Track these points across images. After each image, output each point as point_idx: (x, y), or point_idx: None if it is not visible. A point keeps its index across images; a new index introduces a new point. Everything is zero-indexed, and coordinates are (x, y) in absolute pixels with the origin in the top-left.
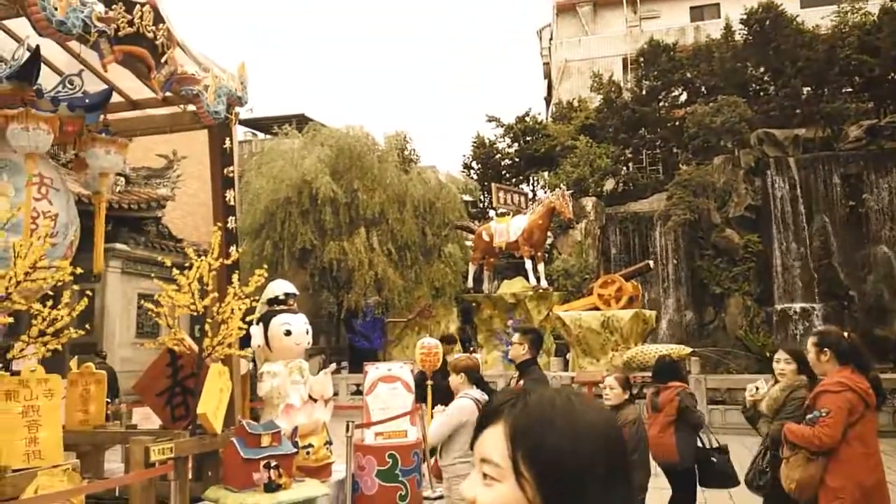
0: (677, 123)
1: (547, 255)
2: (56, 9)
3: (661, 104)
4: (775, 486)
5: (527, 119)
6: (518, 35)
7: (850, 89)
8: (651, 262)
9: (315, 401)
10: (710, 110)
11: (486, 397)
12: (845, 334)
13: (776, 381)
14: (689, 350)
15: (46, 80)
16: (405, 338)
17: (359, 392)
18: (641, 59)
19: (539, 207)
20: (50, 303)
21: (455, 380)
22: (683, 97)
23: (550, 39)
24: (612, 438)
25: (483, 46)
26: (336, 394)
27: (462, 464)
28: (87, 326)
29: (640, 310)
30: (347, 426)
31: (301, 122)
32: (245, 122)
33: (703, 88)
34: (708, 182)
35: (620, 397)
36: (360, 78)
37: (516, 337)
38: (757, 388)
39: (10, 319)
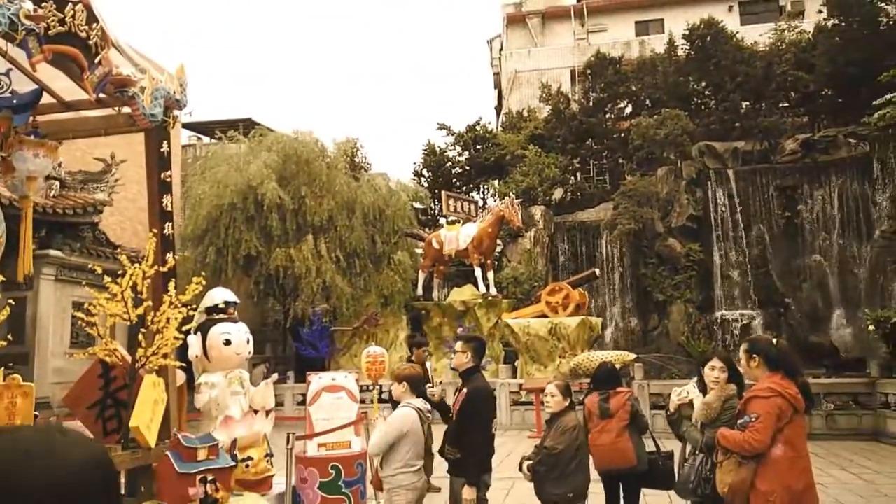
0: (623, 135)
1: (496, 263)
2: None
3: (607, 116)
4: (712, 490)
5: (477, 128)
6: (470, 44)
7: (786, 104)
8: (597, 270)
9: (256, 412)
10: (654, 122)
11: (428, 406)
12: (774, 341)
13: (704, 387)
14: (633, 356)
15: None
16: (353, 346)
17: (304, 402)
18: (589, 72)
19: (489, 216)
20: None
21: (397, 389)
22: (629, 109)
23: (501, 50)
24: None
25: (435, 54)
26: (281, 404)
27: (403, 474)
28: (9, 337)
29: (587, 317)
30: (288, 438)
31: (248, 126)
32: (189, 126)
33: (647, 101)
34: (652, 192)
35: (561, 405)
36: (310, 83)
37: (459, 345)
38: (688, 393)
39: None
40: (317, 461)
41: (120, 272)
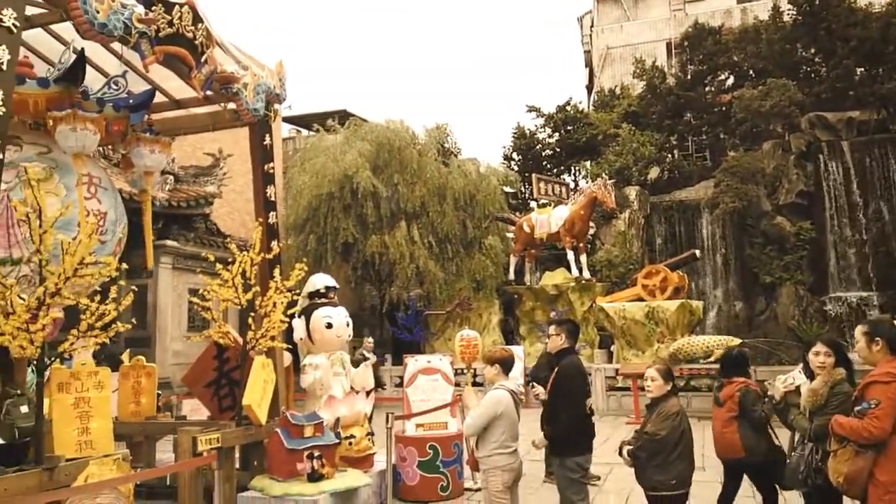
0: (724, 108)
1: (589, 246)
2: (98, 12)
3: (706, 89)
4: (824, 481)
5: (568, 108)
6: (558, 23)
7: None
8: (697, 252)
9: (357, 392)
10: (758, 94)
11: (520, 388)
12: None
13: (810, 373)
14: (738, 341)
15: (92, 82)
16: (447, 330)
17: (401, 384)
18: (686, 44)
19: (581, 197)
20: (98, 298)
21: (490, 371)
22: (730, 81)
23: (591, 26)
24: None
25: (523, 36)
26: (383, 385)
27: (499, 455)
28: (133, 321)
29: (687, 300)
30: (387, 417)
31: (343, 117)
32: (289, 119)
33: (750, 72)
34: (757, 168)
35: (662, 389)
36: (401, 72)
37: (553, 328)
38: (794, 380)
39: (61, 314)
40: (415, 441)
41: (230, 260)
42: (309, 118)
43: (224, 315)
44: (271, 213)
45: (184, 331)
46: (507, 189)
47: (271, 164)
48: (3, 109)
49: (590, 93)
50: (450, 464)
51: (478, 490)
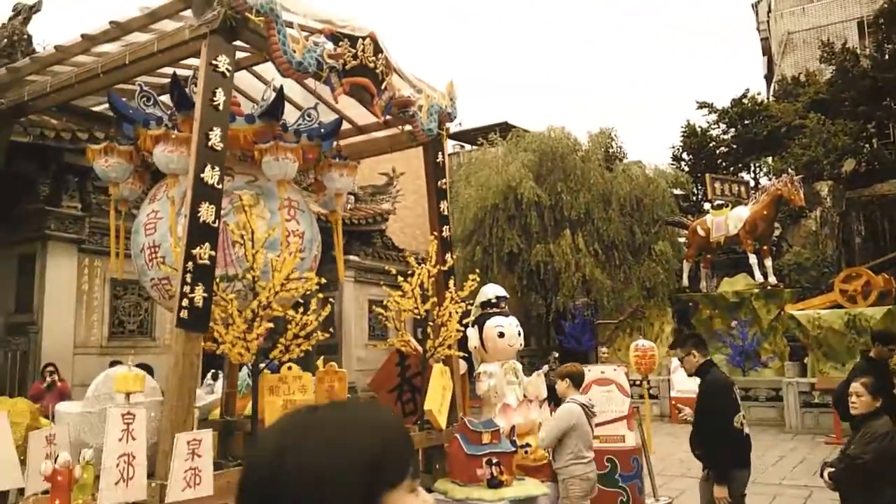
0: None
1: (774, 249)
2: (294, 52)
3: None
4: None
5: (744, 101)
6: (727, 14)
7: None
8: None
9: (530, 401)
10: None
11: (591, 402)
12: None
13: None
14: None
15: (286, 115)
16: (616, 339)
17: None
18: (881, 21)
19: (763, 196)
20: (301, 309)
21: (561, 385)
22: None
23: (769, 12)
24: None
25: (688, 31)
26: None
27: (574, 465)
28: (331, 330)
29: None
30: None
31: (504, 129)
32: (453, 136)
33: None
34: None
35: (869, 405)
36: (560, 81)
37: (679, 352)
38: None
39: (271, 325)
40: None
41: (409, 272)
42: (471, 133)
43: (403, 324)
44: (444, 227)
45: (365, 339)
46: (677, 191)
47: (444, 181)
48: (221, 145)
49: (769, 82)
50: (629, 479)
51: None
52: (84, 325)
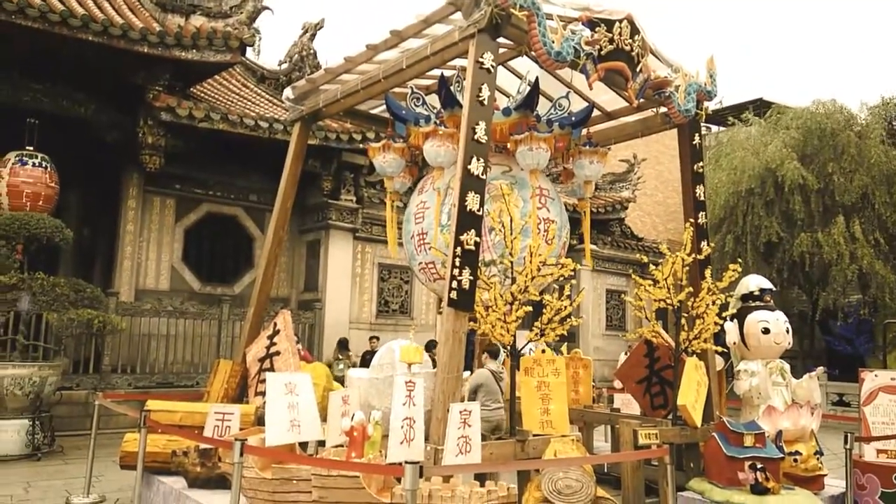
0: None
1: None
2: (553, 42)
3: None
4: None
5: None
6: None
7: None
8: None
9: (800, 406)
10: None
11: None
12: None
13: None
14: None
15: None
16: None
17: (841, 402)
18: None
19: None
20: (556, 294)
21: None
22: None
23: None
24: None
25: None
26: (847, 404)
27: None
28: (582, 316)
29: None
30: (846, 437)
31: (759, 107)
32: None
33: None
34: None
35: None
36: (824, 45)
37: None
38: None
39: (530, 308)
40: (877, 468)
41: (650, 262)
42: (720, 113)
43: (654, 315)
44: (700, 213)
45: (602, 329)
46: None
47: (701, 164)
48: (486, 138)
49: None
50: None
51: None
52: (357, 304)
